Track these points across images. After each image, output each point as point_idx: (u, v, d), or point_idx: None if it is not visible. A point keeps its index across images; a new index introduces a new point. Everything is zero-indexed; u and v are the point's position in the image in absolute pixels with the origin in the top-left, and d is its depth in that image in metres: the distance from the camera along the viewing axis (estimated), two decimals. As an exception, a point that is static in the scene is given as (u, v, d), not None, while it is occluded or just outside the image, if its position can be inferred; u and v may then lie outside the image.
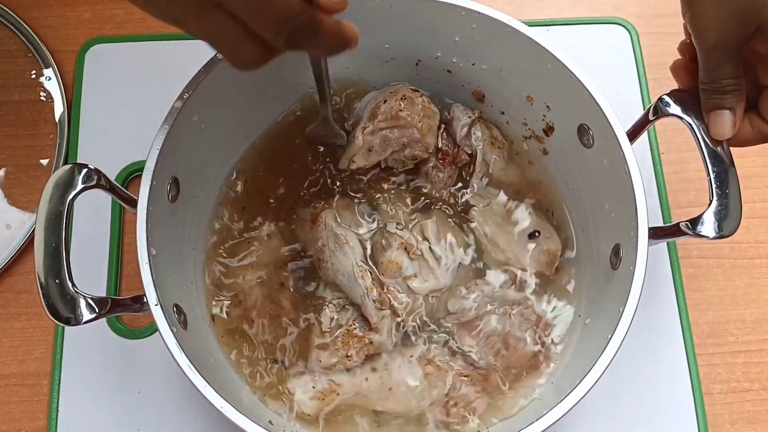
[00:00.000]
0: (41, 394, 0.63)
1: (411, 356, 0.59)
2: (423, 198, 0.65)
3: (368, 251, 0.62)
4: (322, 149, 0.66)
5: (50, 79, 0.72)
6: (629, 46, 0.76)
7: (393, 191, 0.65)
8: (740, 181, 0.53)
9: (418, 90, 0.64)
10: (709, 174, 0.53)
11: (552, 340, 0.60)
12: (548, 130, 0.64)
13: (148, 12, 0.41)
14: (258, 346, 0.60)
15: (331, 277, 0.61)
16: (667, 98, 0.55)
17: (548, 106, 0.62)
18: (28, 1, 0.76)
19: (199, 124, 0.58)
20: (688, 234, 0.52)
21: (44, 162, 0.70)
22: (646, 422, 0.64)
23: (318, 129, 0.62)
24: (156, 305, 0.50)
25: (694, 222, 0.52)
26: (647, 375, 0.65)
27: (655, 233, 0.53)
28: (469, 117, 0.65)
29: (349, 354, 0.59)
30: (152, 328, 0.64)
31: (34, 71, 0.73)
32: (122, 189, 0.54)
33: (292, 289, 0.62)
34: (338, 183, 0.65)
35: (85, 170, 0.51)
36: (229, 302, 0.61)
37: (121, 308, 0.50)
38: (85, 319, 0.48)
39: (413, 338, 0.60)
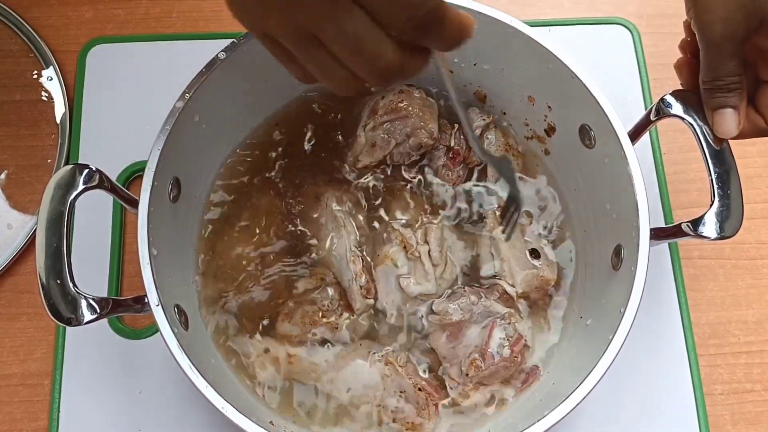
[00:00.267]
0: (42, 394, 0.64)
1: (374, 353, 0.59)
2: (435, 201, 0.65)
3: (365, 239, 0.62)
4: (324, 154, 0.66)
5: (51, 79, 0.72)
6: (631, 46, 0.76)
7: (407, 192, 0.65)
8: (742, 181, 0.53)
9: (413, 84, 0.65)
10: (710, 174, 0.53)
11: (527, 364, 0.59)
12: (550, 130, 0.64)
13: (270, 24, 0.40)
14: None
15: (327, 256, 0.62)
16: (669, 99, 0.55)
17: (550, 107, 0.62)
18: (29, 1, 0.76)
19: (200, 124, 0.58)
20: (689, 235, 0.52)
21: (45, 162, 0.69)
22: (647, 423, 0.63)
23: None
24: (157, 305, 0.50)
25: (696, 223, 0.52)
26: (648, 376, 0.65)
27: (657, 234, 0.53)
28: (484, 120, 0.65)
29: (313, 332, 0.59)
30: (153, 329, 0.64)
31: (35, 71, 0.73)
32: (123, 189, 0.54)
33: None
34: (346, 185, 0.65)
35: (86, 170, 0.51)
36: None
37: (123, 309, 0.50)
38: (86, 320, 0.48)
39: (387, 332, 0.60)
